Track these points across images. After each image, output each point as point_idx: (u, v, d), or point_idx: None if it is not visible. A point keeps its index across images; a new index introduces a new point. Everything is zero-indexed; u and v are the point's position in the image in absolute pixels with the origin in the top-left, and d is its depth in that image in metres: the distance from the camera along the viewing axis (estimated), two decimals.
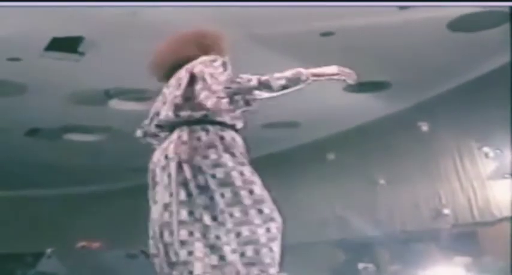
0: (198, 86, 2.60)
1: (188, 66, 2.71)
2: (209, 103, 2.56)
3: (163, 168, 2.57)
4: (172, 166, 2.52)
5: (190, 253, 2.43)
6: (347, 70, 2.83)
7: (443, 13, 6.32)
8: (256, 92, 2.59)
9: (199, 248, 2.44)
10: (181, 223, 2.47)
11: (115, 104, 8.55)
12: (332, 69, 2.81)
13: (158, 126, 2.75)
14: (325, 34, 6.75)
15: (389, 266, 8.60)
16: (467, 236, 7.97)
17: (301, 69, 2.67)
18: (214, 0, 5.43)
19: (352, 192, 9.68)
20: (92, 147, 10.57)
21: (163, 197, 2.56)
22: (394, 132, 9.10)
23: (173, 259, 2.46)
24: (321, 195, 9.97)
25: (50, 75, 7.59)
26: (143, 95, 8.36)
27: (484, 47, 7.09)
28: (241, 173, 2.55)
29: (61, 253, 5.76)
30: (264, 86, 2.57)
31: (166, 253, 2.48)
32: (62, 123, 9.68)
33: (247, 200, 2.52)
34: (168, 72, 2.82)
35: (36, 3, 5.20)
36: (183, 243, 2.45)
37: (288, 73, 2.63)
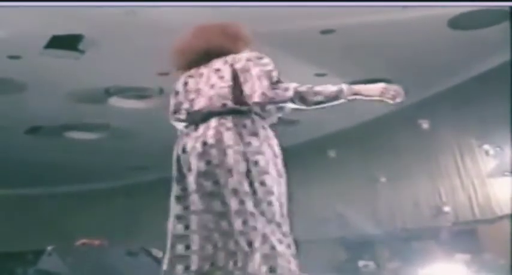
0: (248, 82, 2.60)
1: (228, 59, 2.72)
2: (256, 97, 2.55)
3: (201, 155, 2.52)
4: (214, 152, 2.50)
5: (250, 244, 2.41)
6: (393, 88, 2.64)
7: (443, 11, 6.33)
8: (290, 103, 2.58)
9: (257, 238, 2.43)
10: (237, 212, 2.44)
11: (115, 102, 8.55)
12: (377, 88, 2.63)
13: (181, 118, 2.74)
14: (326, 32, 6.75)
15: (390, 263, 8.60)
16: (467, 234, 7.98)
17: (344, 87, 2.58)
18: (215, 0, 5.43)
19: (352, 190, 9.69)
20: (93, 145, 10.58)
21: (200, 186, 2.51)
22: (395, 130, 9.11)
23: (233, 248, 2.44)
24: (321, 193, 9.98)
25: (50, 73, 7.59)
26: (143, 93, 8.37)
27: (484, 44, 7.09)
28: (276, 164, 2.59)
29: (61, 250, 5.76)
30: (299, 98, 2.55)
31: (225, 244, 2.45)
32: (62, 122, 9.69)
33: (276, 191, 2.56)
34: (194, 60, 2.81)
35: (36, 4, 5.20)
36: (241, 233, 2.42)
37: (329, 90, 2.57)
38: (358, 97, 2.60)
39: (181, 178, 2.62)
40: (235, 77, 2.64)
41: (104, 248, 6.67)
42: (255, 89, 2.56)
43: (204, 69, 2.77)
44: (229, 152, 2.49)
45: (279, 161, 2.65)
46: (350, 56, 7.27)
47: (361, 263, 8.81)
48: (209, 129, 2.55)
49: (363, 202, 9.43)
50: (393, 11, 6.23)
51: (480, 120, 7.81)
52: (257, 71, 2.61)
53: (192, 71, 2.81)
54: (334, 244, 9.59)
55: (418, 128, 8.55)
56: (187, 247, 2.53)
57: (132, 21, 6.23)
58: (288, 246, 2.47)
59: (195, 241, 2.53)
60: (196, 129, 2.61)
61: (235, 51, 2.80)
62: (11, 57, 7.09)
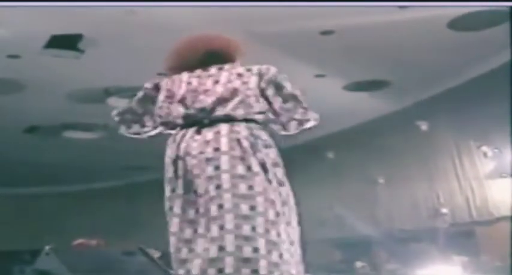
0: (270, 91, 2.70)
1: (253, 68, 2.74)
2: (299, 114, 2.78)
3: (209, 160, 2.50)
4: (224, 159, 2.49)
5: (256, 250, 2.39)
6: None
7: (443, 12, 6.32)
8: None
9: (262, 244, 2.41)
10: (244, 217, 2.43)
11: (114, 102, 8.54)
12: None
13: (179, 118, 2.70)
14: (325, 33, 6.75)
15: (387, 265, 8.60)
16: (465, 236, 7.98)
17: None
18: None
19: (350, 191, 9.68)
20: (91, 145, 10.57)
21: (206, 189, 2.48)
22: (393, 131, 9.10)
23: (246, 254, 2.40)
24: (318, 194, 9.97)
25: (50, 72, 7.59)
26: None
27: (484, 46, 7.09)
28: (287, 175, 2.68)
29: (59, 250, 5.76)
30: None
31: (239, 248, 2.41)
32: (61, 121, 9.69)
33: (291, 202, 2.63)
34: (198, 61, 2.79)
35: (36, 3, 5.20)
36: (246, 238, 2.40)
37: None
38: None
39: (175, 180, 2.58)
40: (263, 87, 2.69)
41: (101, 248, 6.67)
42: (296, 107, 2.73)
43: (215, 71, 2.75)
44: (239, 161, 2.50)
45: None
46: (350, 57, 7.26)
47: (358, 264, 8.80)
48: (221, 136, 2.54)
49: (361, 202, 9.43)
50: (393, 12, 6.22)
51: (479, 122, 7.81)
52: (291, 89, 2.73)
53: (198, 72, 2.77)
54: (331, 245, 9.58)
55: (416, 130, 8.56)
56: (191, 250, 2.49)
57: (131, 21, 6.23)
58: (292, 254, 2.51)
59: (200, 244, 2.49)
60: (198, 132, 2.59)
61: (233, 60, 2.82)
62: (10, 56, 7.08)
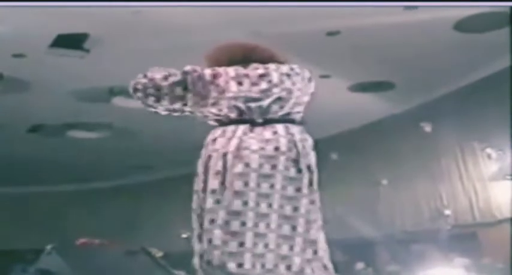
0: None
1: (283, 67, 2.82)
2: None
3: (269, 158, 2.57)
4: (282, 160, 2.58)
5: (291, 248, 2.55)
6: None
7: (450, 14, 6.32)
8: None
9: (299, 243, 2.59)
10: (286, 217, 2.58)
11: (119, 101, 8.55)
12: None
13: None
14: (331, 34, 6.75)
15: (389, 266, 8.59)
16: (467, 237, 7.98)
17: None
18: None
19: (353, 192, 9.68)
20: (95, 144, 10.58)
21: (259, 185, 2.55)
22: (397, 132, 9.10)
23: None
24: (321, 194, 9.96)
25: (55, 72, 7.61)
26: None
27: (490, 48, 7.08)
28: None
29: (61, 249, 5.76)
30: None
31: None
32: (65, 120, 9.70)
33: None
34: (240, 59, 2.79)
35: (41, 3, 5.22)
36: (285, 237, 2.57)
37: None
38: None
39: (223, 173, 2.55)
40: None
41: (104, 248, 6.67)
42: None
43: (263, 70, 2.74)
44: (291, 163, 2.61)
45: None
46: (355, 57, 7.26)
47: (359, 265, 8.79)
48: (280, 137, 2.62)
49: (364, 203, 9.42)
50: (399, 13, 6.22)
51: (483, 124, 7.81)
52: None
53: (244, 70, 2.73)
54: (332, 246, 9.56)
55: (420, 131, 8.55)
56: (241, 244, 2.50)
57: (137, 21, 6.24)
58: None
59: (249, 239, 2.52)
60: (251, 130, 2.62)
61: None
62: (16, 55, 7.10)
